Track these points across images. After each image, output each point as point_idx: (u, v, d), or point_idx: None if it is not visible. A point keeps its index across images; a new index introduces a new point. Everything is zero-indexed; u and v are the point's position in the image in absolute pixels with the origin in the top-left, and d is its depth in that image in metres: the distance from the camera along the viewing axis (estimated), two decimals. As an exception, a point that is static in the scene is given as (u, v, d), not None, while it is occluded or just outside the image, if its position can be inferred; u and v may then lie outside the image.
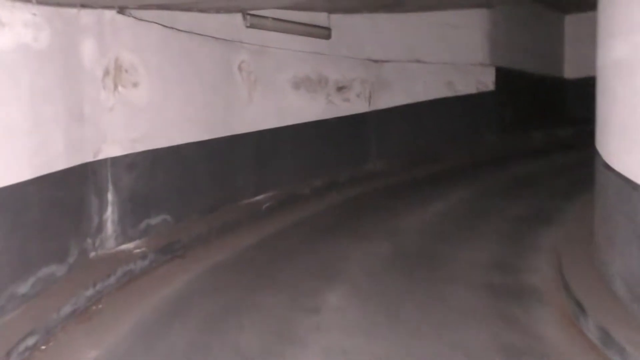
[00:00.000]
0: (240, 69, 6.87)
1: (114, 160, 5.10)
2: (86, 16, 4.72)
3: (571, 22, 12.80)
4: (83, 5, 4.64)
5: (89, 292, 4.27)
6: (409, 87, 9.35)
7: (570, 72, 12.80)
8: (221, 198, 6.64)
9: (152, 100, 5.51)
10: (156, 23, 5.54)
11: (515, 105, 10.97)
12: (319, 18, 8.02)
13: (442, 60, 9.65)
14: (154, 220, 5.60)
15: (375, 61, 8.94)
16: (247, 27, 6.97)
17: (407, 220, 6.34)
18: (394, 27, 9.12)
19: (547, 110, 12.34)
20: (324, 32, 8.16)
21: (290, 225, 6.43)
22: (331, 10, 8.10)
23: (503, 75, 10.27)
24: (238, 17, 6.83)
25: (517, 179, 7.92)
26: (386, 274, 4.73)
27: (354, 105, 8.65)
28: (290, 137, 7.66)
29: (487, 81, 10.09)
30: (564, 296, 4.13)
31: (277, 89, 7.46)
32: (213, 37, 6.42)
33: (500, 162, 9.10)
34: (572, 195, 6.81)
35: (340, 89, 8.42)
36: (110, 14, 4.98)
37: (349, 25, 8.53)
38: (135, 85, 5.29)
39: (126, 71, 5.17)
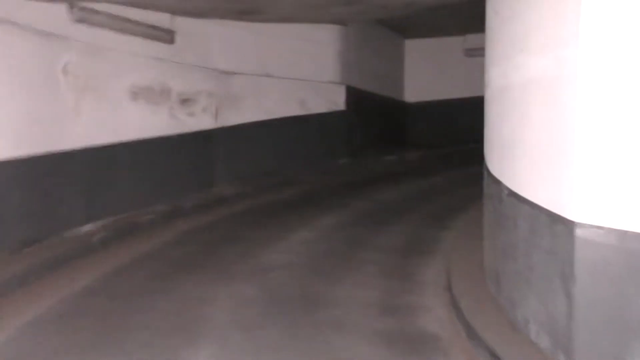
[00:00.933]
0: (65, 71, 5.62)
1: None
2: None
3: (411, 47, 13.01)
4: None
5: None
6: (260, 103, 8.60)
7: (409, 96, 12.97)
8: (41, 229, 5.31)
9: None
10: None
11: (365, 127, 10.72)
12: (162, 19, 6.98)
13: (295, 76, 9.05)
14: (-55, 264, 4.18)
15: (225, 72, 8.06)
16: (75, 21, 5.75)
17: (272, 252, 5.53)
18: (246, 36, 8.33)
19: (392, 133, 12.33)
20: (166, 36, 7.13)
21: (132, 261, 5.30)
22: (175, 12, 7.11)
23: (353, 95, 9.95)
24: (62, 7, 5.59)
25: (380, 204, 7.48)
26: (260, 324, 3.86)
27: (200, 120, 7.68)
28: (128, 156, 6.50)
29: (338, 100, 9.69)
30: (472, 345, 3.58)
31: (112, 98, 6.29)
32: (32, 29, 5.13)
33: (358, 186, 8.65)
34: (444, 223, 6.47)
35: (184, 101, 7.41)
36: None
37: (196, 30, 7.58)
38: None
39: None
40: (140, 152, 6.67)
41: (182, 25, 7.29)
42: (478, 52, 13.05)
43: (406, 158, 10.35)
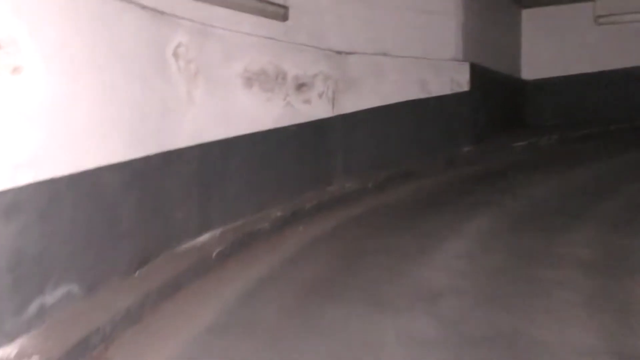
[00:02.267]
0: (176, 55, 4.75)
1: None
2: None
3: (529, 17, 11.59)
4: None
5: None
6: (378, 87, 7.55)
7: (528, 72, 11.59)
8: (152, 244, 4.49)
9: (47, 96, 3.32)
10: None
11: (488, 109, 9.48)
12: (274, -8, 6.04)
13: (414, 54, 7.93)
14: (52, 297, 3.39)
15: (340, 52, 7.06)
16: (186, -5, 4.87)
17: (425, 269, 4.49)
18: (360, 9, 7.30)
19: (513, 115, 11.01)
20: (280, 11, 6.19)
21: (255, 285, 4.37)
22: (288, -17, 6.15)
23: (477, 74, 8.73)
24: (172, -21, 4.71)
25: (535, 202, 6.23)
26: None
27: (316, 108, 6.71)
28: (241, 152, 5.62)
29: (461, 80, 8.49)
30: None
31: (224, 85, 5.40)
32: (139, 4, 4.27)
33: (495, 178, 7.47)
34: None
35: (300, 86, 6.46)
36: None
37: (309, 4, 6.60)
38: (16, 70, 3.08)
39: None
40: (254, 147, 5.78)
41: (295, -1, 6.34)
42: (611, 19, 11.62)
43: (538, 144, 9.03)
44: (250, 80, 5.72)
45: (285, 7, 6.23)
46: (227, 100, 5.43)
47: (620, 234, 5.03)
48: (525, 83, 11.55)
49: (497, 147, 8.72)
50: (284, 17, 6.24)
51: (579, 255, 4.61)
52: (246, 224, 5.55)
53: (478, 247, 4.99)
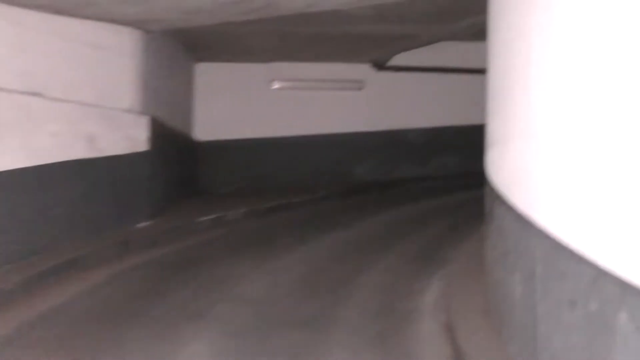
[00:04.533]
0: None
1: None
2: None
3: (203, 72, 10.44)
4: None
5: None
6: (28, 140, 5.26)
7: (201, 133, 10.35)
8: None
9: None
10: None
11: (167, 174, 7.82)
12: None
13: (81, 99, 5.88)
14: None
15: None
16: None
17: None
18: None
19: (189, 182, 9.54)
20: None
21: None
22: None
23: (157, 130, 7.06)
24: None
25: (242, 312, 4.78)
26: None
27: None
28: None
29: (140, 137, 6.71)
30: None
31: None
32: None
33: (188, 269, 5.79)
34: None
35: None
36: None
37: None
38: None
39: None
40: None
41: None
42: (284, 84, 11.29)
43: (226, 218, 7.71)
44: None
45: None
46: None
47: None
48: (199, 144, 10.31)
49: (181, 223, 7.10)
50: None
51: None
52: None
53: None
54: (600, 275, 2.40)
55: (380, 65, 10.68)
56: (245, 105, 10.56)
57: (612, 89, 2.27)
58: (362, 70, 10.75)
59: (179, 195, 8.71)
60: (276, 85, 10.69)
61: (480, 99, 10.95)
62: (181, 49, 9.10)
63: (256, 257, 5.99)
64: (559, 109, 2.73)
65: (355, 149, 10.90)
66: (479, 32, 10.05)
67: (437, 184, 10.30)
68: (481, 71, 10.79)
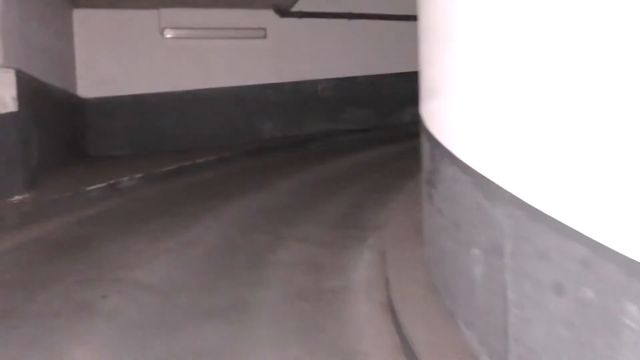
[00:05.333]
0: None
1: None
2: None
3: (83, 20, 9.15)
4: None
5: None
6: None
7: (86, 89, 9.15)
8: None
9: None
10: None
11: (45, 138, 6.69)
12: None
13: None
14: None
15: None
16: None
17: None
18: None
19: (74, 145, 8.38)
20: None
21: None
22: None
23: (27, 87, 5.95)
24: None
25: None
26: None
27: None
28: None
29: (5, 96, 5.60)
30: None
31: None
32: None
33: (70, 252, 4.88)
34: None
35: None
36: None
37: None
38: None
39: None
40: None
41: None
42: (177, 33, 10.19)
43: (119, 186, 6.75)
44: None
45: None
46: None
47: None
48: (83, 102, 9.12)
49: (65, 194, 6.09)
50: None
51: None
52: None
53: None
54: (596, 255, 1.88)
55: (284, 11, 9.86)
56: (135, 57, 9.43)
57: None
58: (264, 17, 9.87)
59: (63, 161, 7.61)
60: (169, 35, 9.61)
61: (392, 47, 10.58)
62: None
63: (156, 231, 5.16)
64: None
65: (261, 103, 10.09)
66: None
67: (351, 139, 9.76)
68: (392, 17, 10.41)
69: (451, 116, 3.07)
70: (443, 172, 3.21)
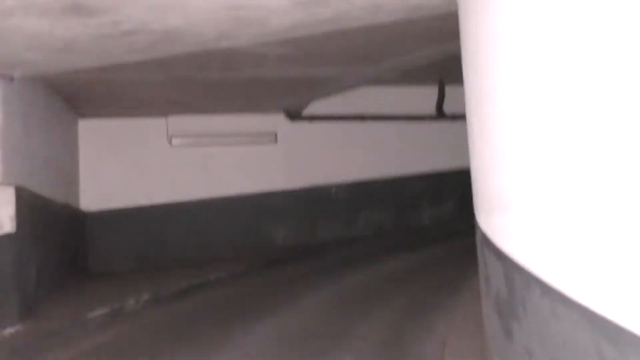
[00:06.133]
0: None
1: None
2: None
3: (88, 131, 8.80)
4: None
5: None
6: None
7: (88, 202, 8.65)
8: None
9: None
10: None
11: (42, 259, 6.09)
12: None
13: None
14: None
15: None
16: None
17: None
18: None
19: (74, 262, 7.76)
20: None
21: None
22: None
23: (26, 204, 5.44)
24: None
25: None
26: None
27: None
28: None
29: (1, 215, 5.07)
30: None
31: None
32: None
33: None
34: None
35: None
36: None
37: None
38: None
39: None
40: None
41: None
42: (185, 141, 9.86)
43: (124, 309, 6.08)
44: None
45: None
46: None
47: None
48: (85, 215, 8.60)
49: (65, 324, 5.41)
50: None
51: None
52: None
53: None
54: None
55: (295, 115, 9.57)
56: (141, 167, 9.02)
57: None
58: (274, 121, 9.57)
59: (63, 280, 6.97)
60: (176, 142, 9.27)
61: (407, 147, 10.22)
62: (59, 101, 7.50)
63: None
64: None
65: (272, 210, 9.56)
66: (404, 76, 9.35)
67: (369, 245, 9.13)
68: (406, 117, 10.14)
69: (542, 235, 2.51)
70: (532, 304, 2.61)
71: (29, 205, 5.67)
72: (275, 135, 9.61)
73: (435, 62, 7.36)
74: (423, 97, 9.71)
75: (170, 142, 9.17)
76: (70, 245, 7.82)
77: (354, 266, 7.83)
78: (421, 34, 5.61)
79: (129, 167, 8.94)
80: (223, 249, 9.05)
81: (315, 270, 7.94)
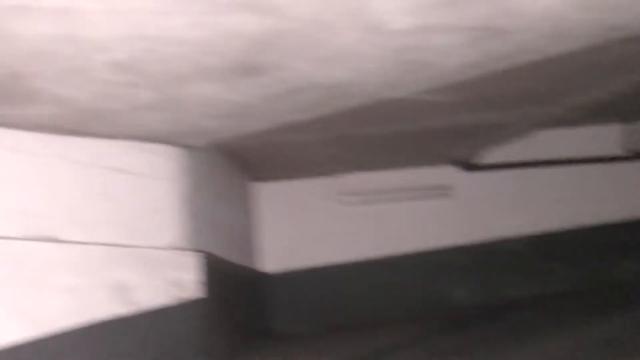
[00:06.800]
0: None
1: None
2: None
3: (266, 195, 9.18)
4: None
5: None
6: (25, 301, 3.89)
7: (268, 263, 8.93)
8: None
9: None
10: None
11: (229, 324, 6.27)
12: None
13: (105, 240, 4.53)
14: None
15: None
16: None
17: None
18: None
19: (256, 324, 7.94)
20: None
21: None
22: None
23: (214, 270, 5.61)
24: None
25: None
26: None
27: None
28: None
29: (189, 281, 5.25)
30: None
31: None
32: None
33: None
34: None
35: None
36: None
37: None
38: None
39: None
40: None
41: None
42: (356, 199, 9.89)
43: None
44: None
45: None
46: None
47: None
48: (266, 277, 8.81)
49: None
50: None
51: None
52: None
53: None
54: None
55: (469, 165, 9.13)
56: (313, 227, 9.09)
57: None
58: (447, 173, 9.18)
59: (242, 342, 7.08)
60: (346, 200, 9.26)
61: (600, 192, 9.28)
62: (233, 167, 7.83)
63: None
64: None
65: (450, 268, 9.08)
66: (585, 115, 8.60)
67: (562, 304, 8.24)
68: (599, 160, 9.24)
69: None
70: None
71: (216, 271, 5.83)
72: (449, 188, 9.22)
73: (619, 95, 6.66)
74: (606, 136, 8.86)
75: (340, 201, 9.17)
76: (253, 307, 7.98)
77: (545, 331, 7.03)
78: (612, 62, 5.02)
79: (302, 228, 9.03)
80: (398, 309, 8.71)
81: (503, 334, 7.24)
